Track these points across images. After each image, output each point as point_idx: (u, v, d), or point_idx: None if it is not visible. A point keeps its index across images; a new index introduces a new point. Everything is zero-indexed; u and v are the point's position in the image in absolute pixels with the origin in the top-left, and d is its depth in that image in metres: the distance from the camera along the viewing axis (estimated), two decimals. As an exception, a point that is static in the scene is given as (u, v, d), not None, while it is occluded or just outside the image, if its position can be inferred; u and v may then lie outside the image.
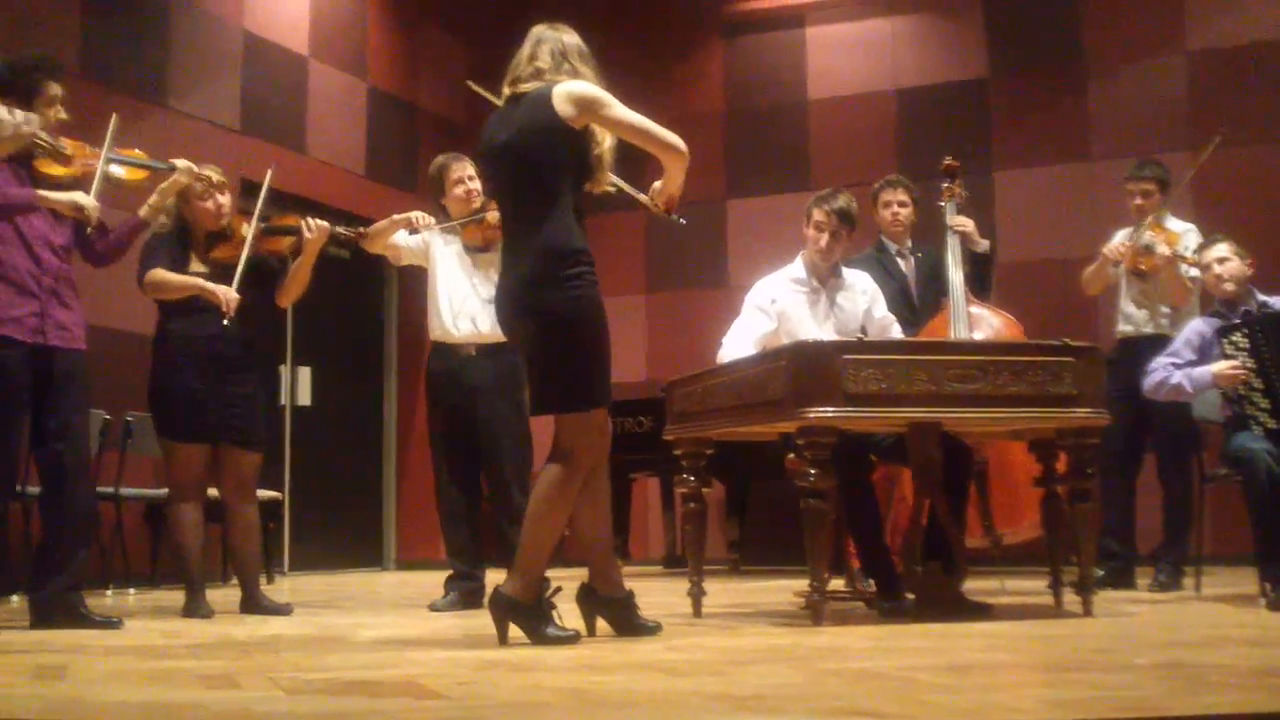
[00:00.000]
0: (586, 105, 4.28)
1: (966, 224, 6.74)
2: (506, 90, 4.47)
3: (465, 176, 6.39)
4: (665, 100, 4.24)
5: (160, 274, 5.81)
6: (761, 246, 9.71)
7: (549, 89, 4.30)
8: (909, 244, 6.79)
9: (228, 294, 5.77)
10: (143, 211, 5.53)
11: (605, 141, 4.38)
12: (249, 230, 5.93)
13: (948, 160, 6.86)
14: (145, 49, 8.68)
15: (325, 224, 6.05)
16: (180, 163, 5.49)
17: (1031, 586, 6.10)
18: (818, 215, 5.65)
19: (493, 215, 6.17)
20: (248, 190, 6.19)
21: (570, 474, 4.22)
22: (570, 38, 4.48)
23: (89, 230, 5.30)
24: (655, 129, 4.35)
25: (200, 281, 5.82)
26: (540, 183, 4.31)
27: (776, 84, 11.27)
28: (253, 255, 5.92)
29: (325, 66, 10.31)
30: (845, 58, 11.10)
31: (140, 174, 5.44)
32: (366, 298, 10.93)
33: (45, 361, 5.17)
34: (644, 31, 11.27)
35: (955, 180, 6.78)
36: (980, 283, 6.88)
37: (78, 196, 5.10)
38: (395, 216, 6.35)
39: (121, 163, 5.34)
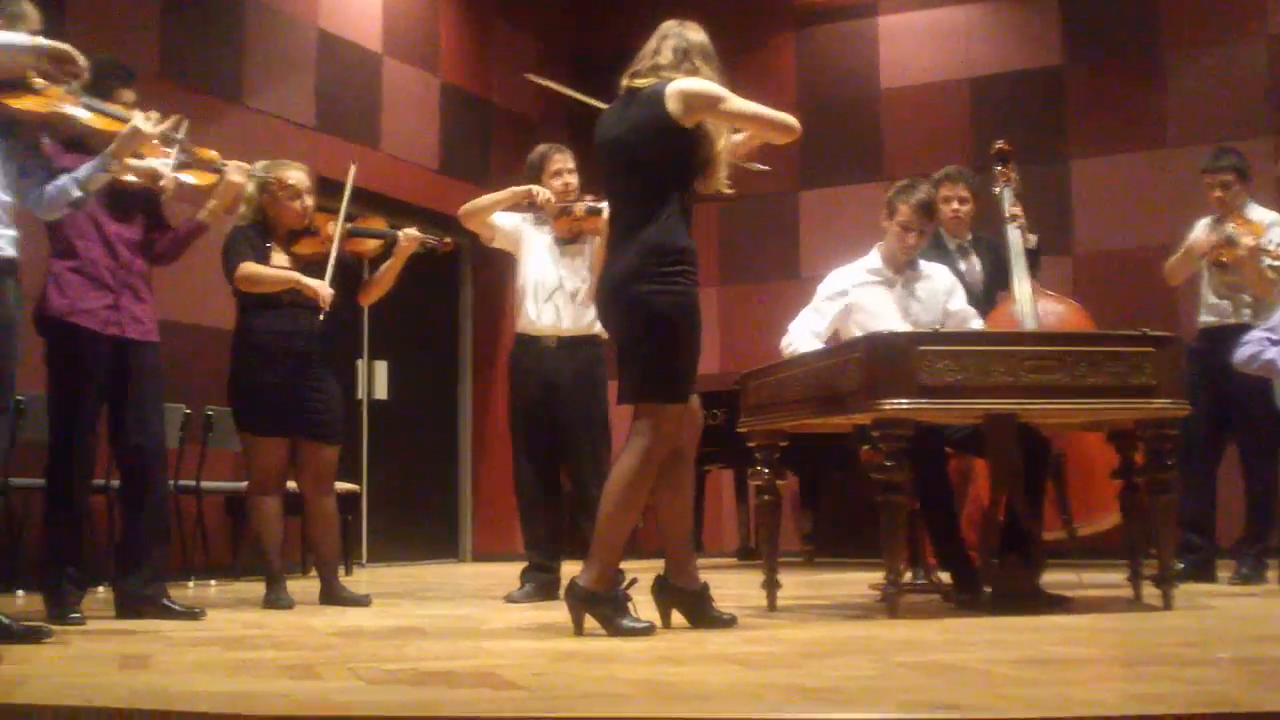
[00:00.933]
0: (699, 102, 4.32)
1: (1021, 216, 6.57)
2: (624, 83, 4.51)
3: (565, 169, 6.41)
4: (737, 92, 4.24)
5: (254, 267, 5.88)
6: (834, 238, 9.69)
7: (663, 86, 4.34)
8: (969, 237, 6.66)
9: (324, 289, 5.84)
10: (202, 215, 5.56)
11: (720, 142, 4.40)
12: (334, 228, 5.98)
13: (999, 144, 6.71)
14: (222, 49, 8.78)
15: (418, 234, 6.11)
16: (231, 164, 5.48)
17: (1110, 579, 6.04)
18: (904, 212, 5.60)
19: (580, 207, 6.20)
20: (325, 188, 6.24)
21: (644, 465, 4.24)
22: (696, 35, 4.52)
23: (160, 193, 5.29)
24: (771, 115, 4.44)
25: (297, 276, 5.88)
26: (648, 180, 4.37)
27: (849, 74, 11.21)
28: (338, 255, 5.98)
29: (398, 63, 10.37)
30: (918, 47, 11.02)
31: (209, 178, 5.46)
32: (442, 293, 10.99)
33: (122, 354, 5.24)
34: (715, 23, 11.07)
35: (1008, 164, 6.64)
36: (1030, 275, 6.77)
37: (155, 163, 5.12)
38: (515, 189, 6.35)
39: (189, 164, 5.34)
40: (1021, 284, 6.29)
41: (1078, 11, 10.39)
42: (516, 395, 6.43)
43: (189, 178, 5.36)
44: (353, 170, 6.25)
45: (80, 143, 4.91)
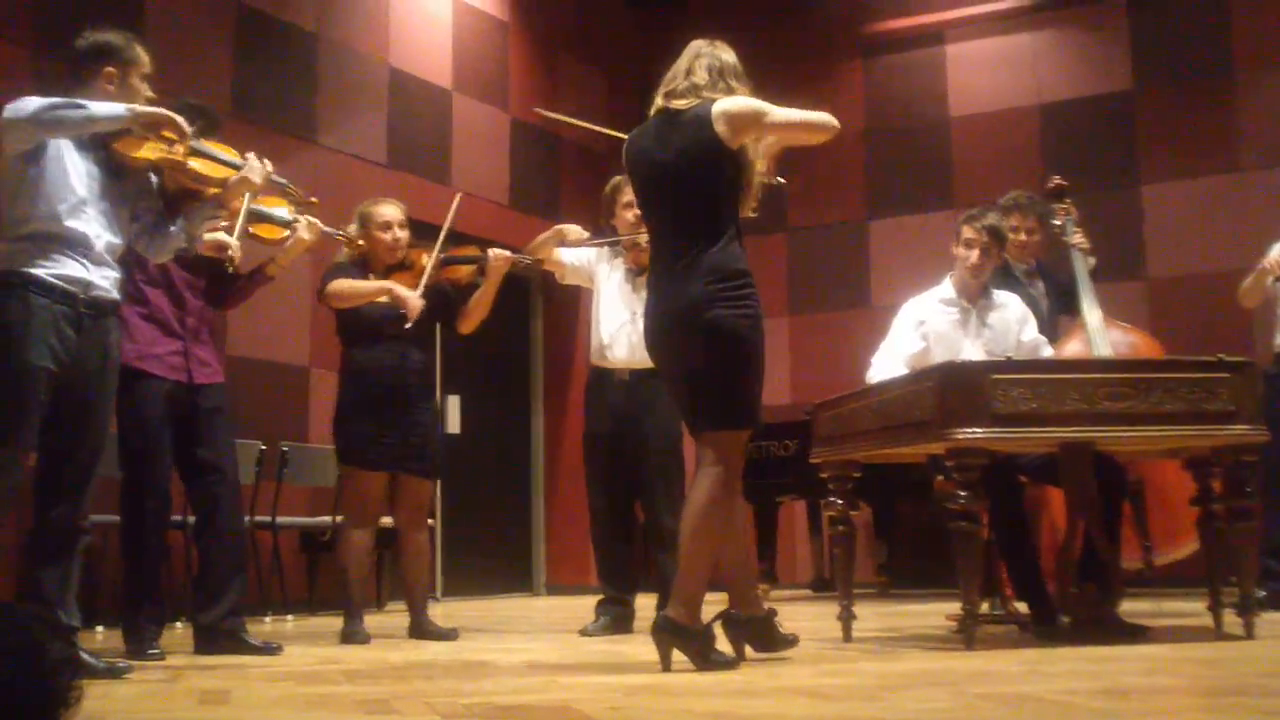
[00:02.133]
0: (744, 120, 4.26)
1: (1084, 242, 6.55)
2: (658, 102, 4.44)
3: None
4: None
5: (343, 282, 5.97)
6: (904, 266, 9.66)
7: (708, 109, 4.27)
8: (1034, 263, 6.60)
9: (412, 298, 5.90)
10: (269, 268, 5.67)
11: (758, 165, 4.37)
12: (428, 260, 6.05)
13: (1056, 180, 6.70)
14: (294, 87, 8.90)
15: (507, 253, 6.14)
16: (303, 220, 5.53)
17: (1190, 608, 5.97)
18: (968, 232, 5.60)
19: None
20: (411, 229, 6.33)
21: (725, 492, 4.22)
22: (728, 55, 4.46)
23: (230, 269, 5.42)
24: (811, 118, 4.38)
25: (386, 283, 5.96)
26: (706, 205, 4.30)
27: (917, 102, 11.18)
28: (431, 283, 6.04)
29: (468, 99, 10.46)
30: (986, 74, 10.98)
31: (279, 233, 5.54)
32: (513, 326, 11.04)
33: (190, 397, 5.33)
34: (783, 52, 11.25)
35: (1064, 200, 6.63)
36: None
37: (221, 235, 5.23)
38: (555, 228, 6.42)
39: (262, 217, 5.41)
40: (1092, 311, 6.24)
41: (1148, 35, 10.31)
42: (589, 428, 6.45)
43: (261, 234, 5.45)
44: (456, 201, 6.30)
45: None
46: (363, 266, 6.10)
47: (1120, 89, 10.37)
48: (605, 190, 6.55)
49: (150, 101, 4.57)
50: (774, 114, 4.30)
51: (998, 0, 10.94)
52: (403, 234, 6.11)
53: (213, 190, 4.91)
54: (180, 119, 4.43)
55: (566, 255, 6.47)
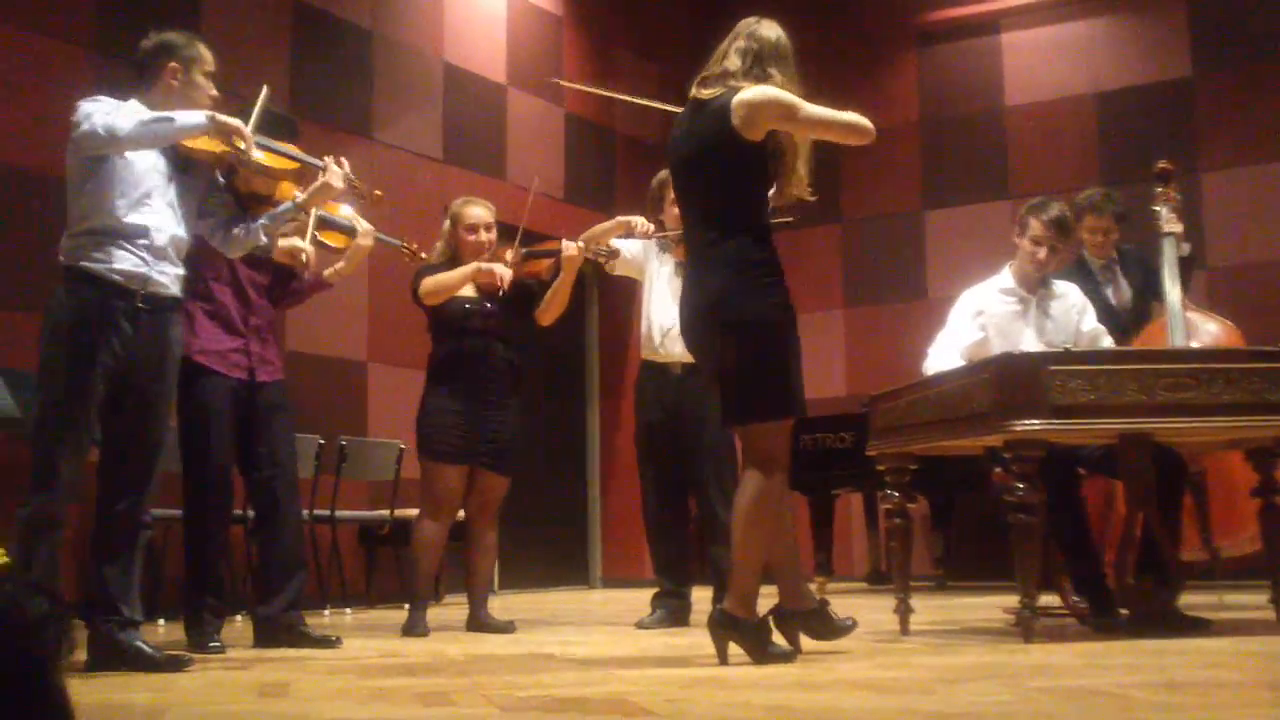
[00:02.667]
0: (766, 113, 4.18)
1: (1178, 227, 6.41)
2: (692, 91, 4.37)
3: None
4: (859, 112, 4.20)
5: (433, 278, 6.04)
6: (961, 257, 9.60)
7: (729, 98, 4.19)
8: (1114, 255, 6.52)
9: (502, 270, 5.96)
10: (328, 273, 5.74)
11: (790, 154, 4.30)
12: (511, 256, 6.10)
13: (1162, 163, 6.53)
14: (350, 84, 8.96)
15: (581, 244, 6.15)
16: (361, 228, 5.61)
17: (1252, 601, 5.91)
18: (1036, 228, 5.52)
19: None
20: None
21: (775, 483, 4.19)
22: (771, 33, 4.34)
23: (305, 274, 5.52)
24: (844, 119, 4.27)
25: (474, 264, 6.02)
26: (726, 197, 4.27)
27: (972, 92, 11.12)
28: (516, 278, 6.09)
29: (523, 93, 10.49)
30: (1042, 62, 10.90)
31: (343, 240, 5.61)
32: (568, 319, 11.02)
33: (252, 394, 5.39)
34: (838, 43, 11.21)
35: (1169, 184, 6.47)
36: (1181, 287, 6.60)
37: (296, 241, 5.31)
38: (616, 219, 6.43)
39: (271, 148, 5.37)
40: (1173, 298, 6.12)
41: (1206, 21, 10.20)
42: (642, 421, 6.46)
43: (327, 241, 5.54)
44: (531, 196, 6.34)
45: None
46: (452, 264, 6.15)
47: (1178, 76, 10.27)
48: (652, 185, 6.56)
49: (214, 99, 4.64)
50: (802, 110, 4.19)
51: (1054, -12, 10.87)
52: (488, 236, 6.17)
53: (284, 184, 4.99)
54: (247, 130, 4.47)
55: (622, 246, 6.47)
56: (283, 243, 5.30)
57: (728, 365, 4.22)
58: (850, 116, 4.30)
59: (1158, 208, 6.30)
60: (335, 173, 4.93)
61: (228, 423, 5.33)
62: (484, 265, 5.99)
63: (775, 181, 4.35)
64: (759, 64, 4.28)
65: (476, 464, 6.05)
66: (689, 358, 6.16)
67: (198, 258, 4.94)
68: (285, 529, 5.44)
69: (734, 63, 4.30)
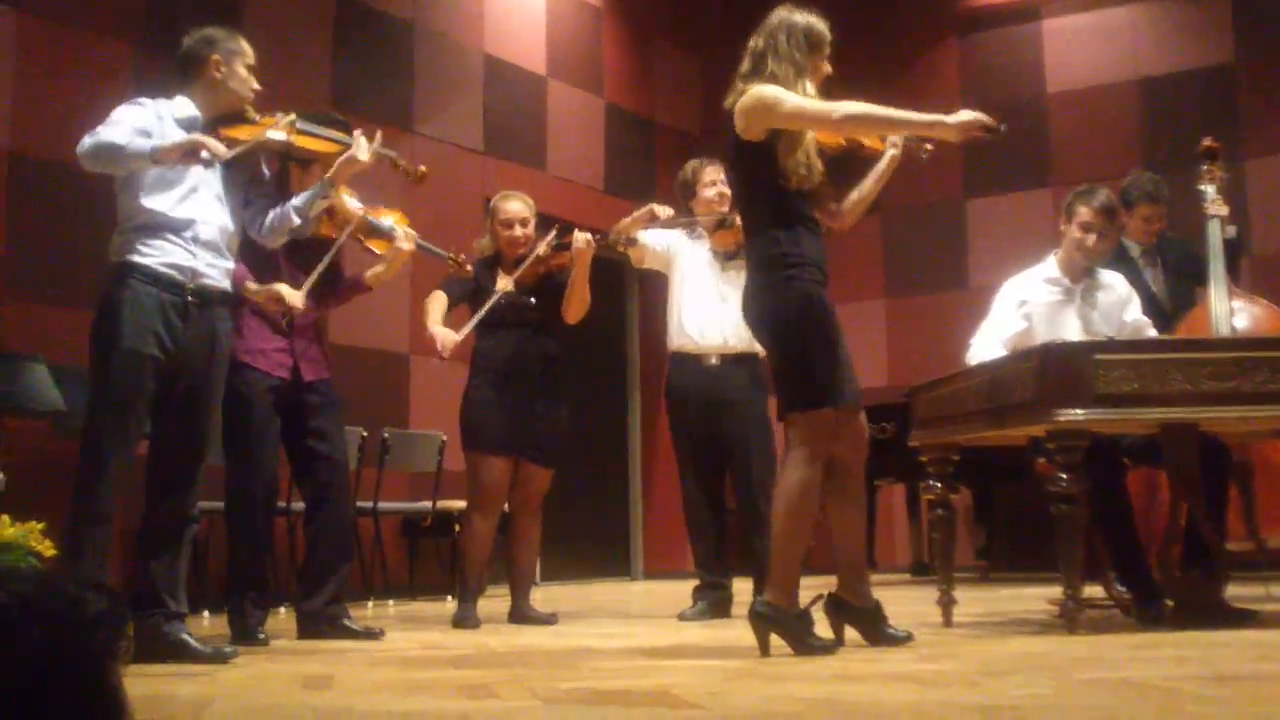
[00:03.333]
0: (752, 116, 4.24)
1: (1224, 209, 6.30)
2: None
3: (718, 179, 6.42)
4: (901, 100, 4.16)
5: (428, 302, 6.09)
6: (1003, 246, 9.56)
7: (734, 106, 4.30)
8: (1154, 242, 6.44)
9: (444, 339, 5.91)
10: (368, 277, 5.75)
11: (805, 136, 4.28)
12: (545, 249, 6.12)
13: (1207, 141, 6.40)
14: (391, 77, 8.99)
15: (589, 236, 6.12)
16: (400, 231, 5.59)
17: (1300, 591, 5.87)
18: (1085, 214, 5.46)
19: (738, 219, 6.20)
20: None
21: (808, 474, 4.20)
22: (791, 20, 4.36)
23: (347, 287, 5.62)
24: (833, 111, 4.21)
25: (429, 323, 6.00)
26: (748, 198, 4.44)
27: (1013, 79, 11.06)
28: (544, 272, 6.13)
29: (563, 85, 10.51)
30: (1084, 49, 10.83)
31: (386, 245, 5.62)
32: (609, 310, 11.07)
33: (297, 391, 5.42)
34: (879, 31, 11.17)
35: (1215, 162, 6.36)
36: (1230, 271, 6.51)
37: (284, 290, 5.25)
38: (645, 208, 6.43)
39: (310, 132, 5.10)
40: (1218, 285, 6.02)
41: (1249, 5, 10.10)
42: (677, 414, 6.44)
43: (371, 246, 5.59)
44: (551, 235, 6.30)
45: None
46: (493, 264, 6.18)
47: (1221, 61, 10.18)
48: (683, 174, 6.55)
49: (257, 93, 4.67)
50: (783, 106, 4.20)
51: (1096, -26, 10.79)
52: (524, 231, 6.18)
53: (322, 166, 5.02)
54: (210, 140, 4.40)
55: (647, 238, 6.47)
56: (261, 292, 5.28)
57: (770, 360, 4.44)
58: (831, 107, 4.23)
59: (1203, 187, 6.19)
60: (362, 145, 4.94)
61: (272, 420, 5.37)
62: (434, 330, 5.95)
63: (796, 173, 4.32)
64: (760, 63, 4.35)
65: (521, 455, 6.06)
66: (726, 348, 6.20)
67: (242, 260, 4.97)
68: (334, 524, 5.48)
69: (745, 65, 4.40)
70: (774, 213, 4.30)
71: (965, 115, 4.25)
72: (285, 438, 5.43)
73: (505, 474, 6.07)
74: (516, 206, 6.22)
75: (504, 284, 6.04)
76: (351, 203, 5.53)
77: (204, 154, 4.35)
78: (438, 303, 6.08)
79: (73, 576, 2.08)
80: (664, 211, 6.35)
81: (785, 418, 4.29)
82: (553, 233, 6.17)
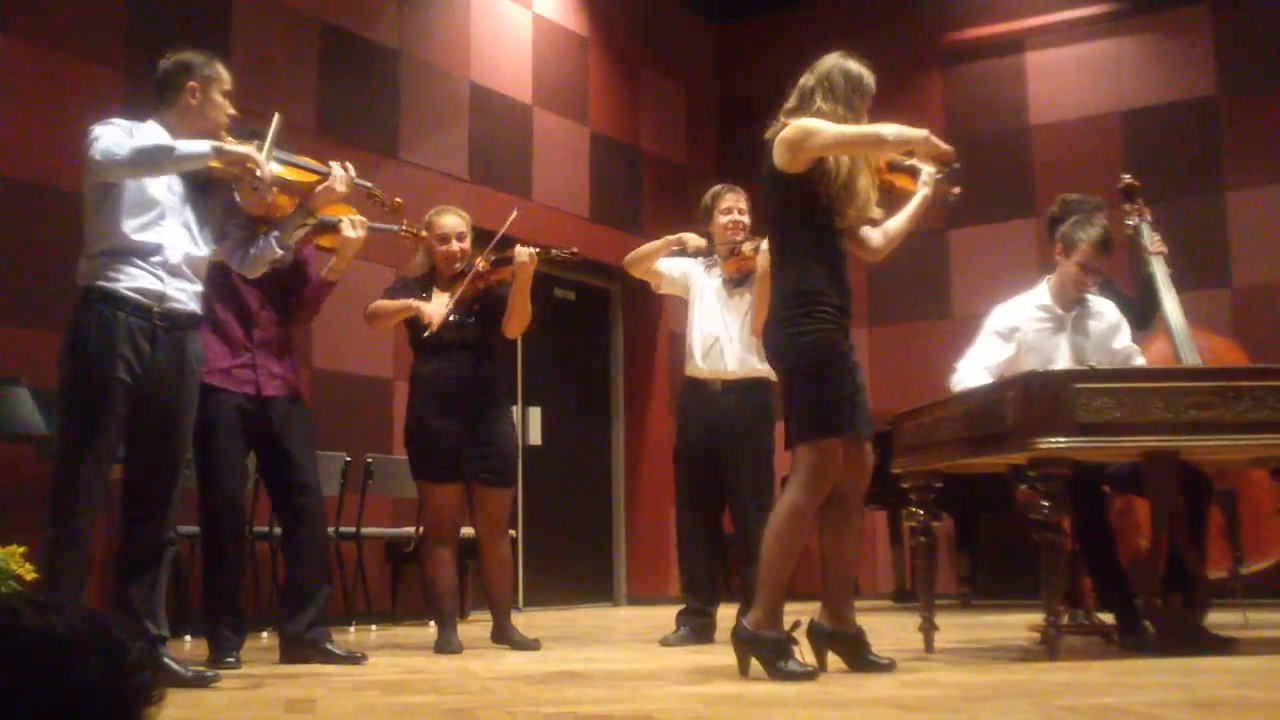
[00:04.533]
0: (795, 147, 4.32)
1: (1163, 248, 6.17)
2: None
3: (736, 207, 6.42)
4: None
5: (376, 303, 6.04)
6: (986, 276, 9.59)
7: (774, 138, 4.38)
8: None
9: (435, 311, 5.93)
10: (325, 272, 5.63)
11: (841, 177, 4.37)
12: (484, 265, 6.06)
13: (1127, 179, 6.44)
14: (377, 104, 9.00)
15: (532, 249, 6.04)
16: (344, 220, 5.32)
17: (1278, 619, 5.88)
18: (1084, 250, 5.44)
19: (748, 247, 6.22)
20: (483, 239, 6.34)
21: (798, 504, 4.26)
22: (838, 66, 4.53)
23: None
24: (865, 133, 4.37)
25: (409, 301, 5.99)
26: (780, 231, 4.47)
27: (997, 110, 11.11)
28: (484, 288, 6.06)
29: (549, 114, 10.53)
30: (1067, 81, 10.89)
31: (334, 239, 5.54)
32: (593, 338, 11.10)
33: (262, 410, 5.41)
34: (863, 63, 11.18)
35: (1138, 199, 6.38)
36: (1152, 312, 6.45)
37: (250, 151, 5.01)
38: (667, 237, 6.44)
39: (289, 162, 5.13)
40: (1176, 317, 6.06)
41: (1231, 39, 10.17)
42: (682, 438, 6.47)
43: (321, 244, 5.52)
44: (513, 215, 6.30)
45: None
46: (429, 278, 6.14)
47: (1204, 94, 10.24)
48: (705, 199, 6.56)
49: (232, 118, 4.67)
50: (818, 136, 4.30)
51: (1079, 7, 10.86)
52: (460, 245, 6.12)
53: (297, 194, 5.00)
54: (259, 155, 4.48)
55: (665, 265, 6.49)
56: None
57: (781, 390, 4.61)
58: (873, 131, 4.38)
59: (1133, 222, 6.18)
60: (339, 175, 4.96)
61: (239, 440, 5.36)
62: (420, 307, 5.94)
63: (834, 205, 4.39)
64: (811, 97, 4.46)
65: (473, 480, 6.02)
66: (729, 375, 6.23)
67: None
68: (309, 545, 5.46)
69: (792, 100, 4.50)
70: (804, 246, 4.37)
71: (940, 144, 4.48)
72: (259, 460, 5.44)
73: (456, 500, 6.04)
74: (453, 221, 6.14)
75: (439, 301, 6.03)
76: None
77: (257, 173, 4.43)
78: (384, 301, 6.05)
79: (117, 618, 2.12)
80: (694, 241, 6.34)
81: (793, 446, 4.36)
82: (490, 248, 6.10)
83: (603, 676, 4.52)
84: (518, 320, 6.16)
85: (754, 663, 4.23)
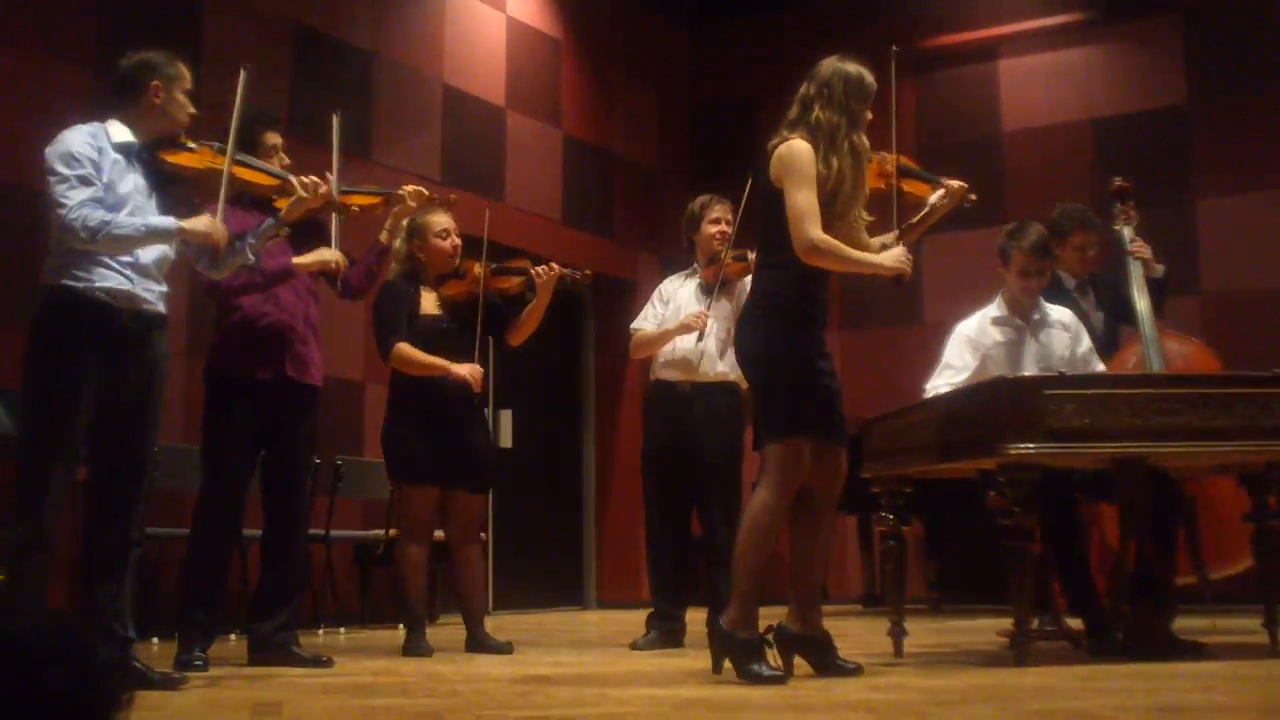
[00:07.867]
0: (782, 170, 4.37)
1: (1145, 249, 6.28)
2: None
3: (723, 217, 6.43)
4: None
5: (406, 351, 5.90)
6: (956, 283, 9.60)
7: (775, 149, 4.41)
8: (1086, 275, 6.48)
9: (473, 371, 5.91)
10: (383, 236, 5.74)
11: (830, 186, 4.39)
12: (480, 270, 6.06)
13: (1118, 181, 6.49)
14: (350, 105, 8.97)
15: (556, 267, 6.08)
16: (295, 180, 5.16)
17: (1244, 625, 5.91)
18: (1019, 259, 5.54)
19: (728, 254, 6.23)
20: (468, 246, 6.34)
21: (768, 502, 4.28)
22: (837, 72, 4.54)
23: (339, 275, 5.49)
24: (813, 237, 4.32)
25: (445, 363, 5.89)
26: (765, 233, 4.50)
27: (969, 118, 11.15)
28: (475, 291, 6.04)
29: (522, 116, 10.52)
30: (1039, 89, 10.93)
31: (374, 200, 5.62)
32: (565, 342, 11.09)
33: (279, 395, 5.35)
34: (834, 70, 11.21)
35: (1127, 202, 6.44)
36: (1156, 310, 6.53)
37: (324, 253, 5.30)
38: (668, 328, 6.37)
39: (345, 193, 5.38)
40: (1145, 320, 6.09)
41: (1202, 48, 10.23)
42: (650, 441, 6.47)
43: (356, 205, 5.50)
44: (486, 216, 6.29)
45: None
46: (413, 278, 6.10)
47: (1174, 103, 10.30)
48: (692, 207, 6.56)
49: (193, 117, 4.67)
50: (794, 196, 4.33)
51: (1051, 15, 10.91)
52: (457, 240, 6.12)
53: (261, 195, 5.02)
54: (219, 237, 4.55)
55: (646, 325, 6.51)
56: (306, 260, 5.31)
57: (750, 391, 4.71)
58: (821, 238, 4.34)
59: (1119, 228, 6.26)
60: (307, 184, 4.99)
61: (249, 440, 5.33)
62: (454, 370, 5.88)
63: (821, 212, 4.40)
64: (806, 111, 4.48)
65: (452, 485, 6.01)
66: (698, 377, 6.22)
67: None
68: (293, 551, 5.46)
69: (794, 111, 4.53)
70: (787, 252, 4.36)
71: (896, 252, 4.66)
72: (261, 458, 5.41)
73: (435, 502, 6.03)
74: (446, 217, 6.11)
75: (431, 301, 6.02)
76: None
77: (212, 251, 4.59)
78: (414, 352, 5.92)
79: (83, 622, 2.10)
80: (698, 322, 6.22)
81: (760, 447, 4.39)
82: (483, 254, 6.08)
83: (572, 680, 4.51)
84: (530, 330, 6.21)
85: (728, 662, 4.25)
